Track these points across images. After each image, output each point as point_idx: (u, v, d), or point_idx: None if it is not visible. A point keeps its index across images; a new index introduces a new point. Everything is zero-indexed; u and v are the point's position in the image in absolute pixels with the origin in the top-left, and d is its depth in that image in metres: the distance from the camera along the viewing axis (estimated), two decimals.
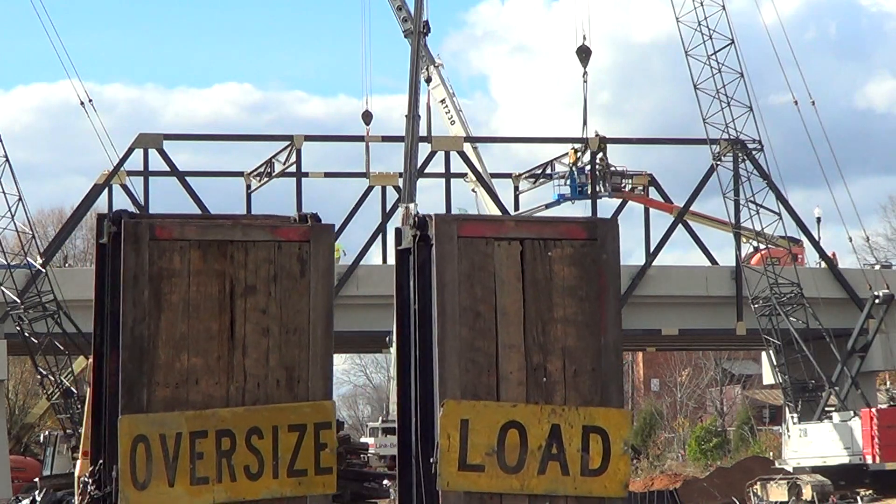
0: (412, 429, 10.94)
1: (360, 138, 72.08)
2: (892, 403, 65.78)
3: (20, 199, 60.56)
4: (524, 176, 76.13)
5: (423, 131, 64.01)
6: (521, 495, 10.56)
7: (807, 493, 58.74)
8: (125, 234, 10.75)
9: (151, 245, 10.77)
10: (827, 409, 65.00)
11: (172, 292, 10.86)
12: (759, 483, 60.76)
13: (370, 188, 70.61)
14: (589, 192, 70.72)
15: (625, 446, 10.66)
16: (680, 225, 70.63)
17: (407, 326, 11.08)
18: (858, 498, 59.48)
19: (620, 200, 71.48)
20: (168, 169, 67.97)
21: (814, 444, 62.94)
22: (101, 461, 10.77)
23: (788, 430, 65.96)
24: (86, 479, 10.73)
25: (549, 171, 74.14)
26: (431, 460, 10.60)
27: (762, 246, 66.95)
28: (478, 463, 10.57)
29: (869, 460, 60.50)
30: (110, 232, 10.88)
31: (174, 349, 10.81)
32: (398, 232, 11.18)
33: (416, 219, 10.83)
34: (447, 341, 10.59)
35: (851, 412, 62.58)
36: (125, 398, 10.59)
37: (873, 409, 62.18)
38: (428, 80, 71.61)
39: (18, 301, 59.74)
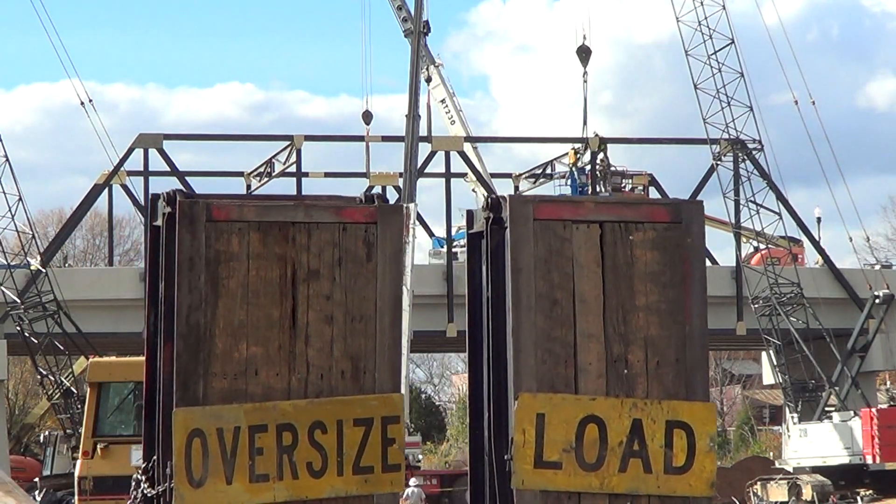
0: (485, 424, 10.35)
1: (360, 138, 71.78)
2: (892, 403, 65.63)
3: (20, 199, 60.25)
4: (524, 176, 75.90)
5: (423, 131, 63.71)
6: (600, 494, 9.98)
7: (807, 493, 58.59)
8: (180, 214, 10.04)
9: (208, 227, 10.07)
10: (827, 409, 64.82)
11: (230, 277, 10.14)
12: (759, 483, 60.62)
13: (370, 188, 70.28)
14: (589, 192, 70.52)
15: (711, 442, 10.13)
16: None
17: (479, 315, 10.45)
18: (858, 498, 59.30)
19: None
20: (168, 169, 67.69)
21: (814, 444, 62.73)
22: (154, 457, 10.21)
23: (788, 430, 65.76)
24: (138, 477, 10.22)
25: (549, 171, 74.08)
26: (506, 457, 10.07)
27: (762, 246, 66.75)
28: (555, 460, 9.95)
29: (869, 460, 60.31)
30: (164, 213, 10.29)
31: (232, 338, 10.10)
32: (469, 214, 10.62)
33: (490, 200, 10.30)
34: (522, 330, 9.99)
35: (851, 412, 62.39)
36: (180, 390, 9.92)
37: (873, 409, 61.98)
38: (428, 80, 71.41)
39: (18, 301, 59.39)
